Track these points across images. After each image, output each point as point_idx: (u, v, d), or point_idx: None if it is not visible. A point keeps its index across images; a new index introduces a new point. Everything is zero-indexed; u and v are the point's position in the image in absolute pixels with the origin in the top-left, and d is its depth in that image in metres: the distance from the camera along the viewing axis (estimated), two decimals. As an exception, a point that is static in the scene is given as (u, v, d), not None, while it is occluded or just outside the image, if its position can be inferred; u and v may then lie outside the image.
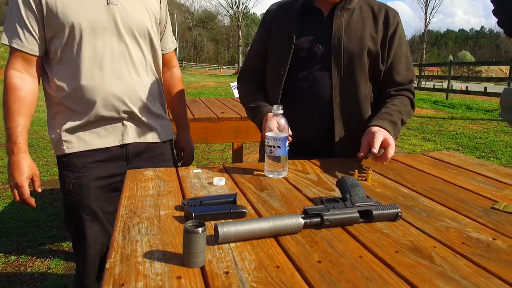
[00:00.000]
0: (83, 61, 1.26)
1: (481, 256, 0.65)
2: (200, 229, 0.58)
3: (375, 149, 1.08)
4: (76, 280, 1.46)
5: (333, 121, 1.31)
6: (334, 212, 0.74)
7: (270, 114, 1.27)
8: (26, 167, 1.28)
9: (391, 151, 1.10)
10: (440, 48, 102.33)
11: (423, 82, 22.38)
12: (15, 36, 1.24)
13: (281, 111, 1.08)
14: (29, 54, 1.26)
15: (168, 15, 1.57)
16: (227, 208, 0.78)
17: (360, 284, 0.55)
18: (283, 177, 1.08)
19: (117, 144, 1.36)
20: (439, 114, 9.76)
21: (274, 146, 1.06)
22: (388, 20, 1.32)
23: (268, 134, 1.08)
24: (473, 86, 17.81)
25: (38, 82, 1.33)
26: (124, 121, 1.36)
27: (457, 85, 20.68)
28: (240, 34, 53.67)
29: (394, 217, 0.78)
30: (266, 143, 1.08)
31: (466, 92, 12.98)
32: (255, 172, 1.11)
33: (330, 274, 0.58)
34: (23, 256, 2.53)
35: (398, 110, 1.28)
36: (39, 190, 1.35)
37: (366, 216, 0.77)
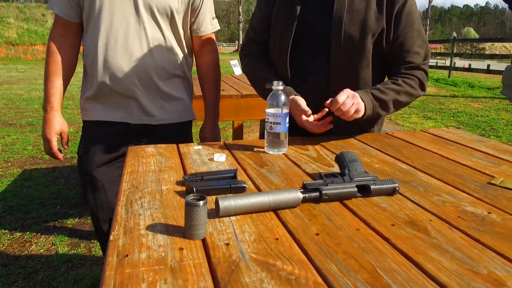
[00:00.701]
0: (100, 34, 1.33)
1: (476, 229, 0.66)
2: (201, 202, 0.59)
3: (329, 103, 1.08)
4: None
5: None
6: (333, 186, 0.76)
7: (290, 97, 1.21)
8: (56, 124, 1.40)
9: (345, 112, 1.06)
10: (444, 24, 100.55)
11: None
12: (56, 3, 1.35)
13: (281, 87, 1.08)
14: (67, 20, 1.36)
15: None
16: (227, 183, 0.80)
17: (356, 255, 0.57)
18: (283, 154, 1.09)
19: (123, 120, 1.41)
20: (440, 92, 9.69)
21: (274, 123, 1.07)
22: None
23: (268, 110, 1.08)
24: (476, 63, 17.58)
25: (77, 50, 1.44)
26: (132, 99, 1.39)
27: (460, 62, 20.37)
28: (241, 10, 52.61)
29: (392, 192, 0.79)
30: (266, 120, 1.08)
31: (469, 69, 12.84)
32: (255, 149, 1.12)
33: (328, 246, 0.59)
34: (28, 232, 2.58)
35: (395, 89, 1.20)
36: (66, 146, 1.48)
37: (364, 190, 0.78)
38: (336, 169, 0.93)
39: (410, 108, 7.52)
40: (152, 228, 0.63)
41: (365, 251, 0.58)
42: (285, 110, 1.07)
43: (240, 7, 52.42)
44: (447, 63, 15.26)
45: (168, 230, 0.63)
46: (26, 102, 7.61)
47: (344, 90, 1.11)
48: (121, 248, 0.57)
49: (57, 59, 1.37)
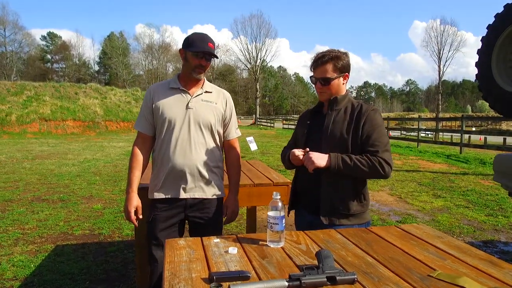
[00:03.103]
0: (166, 141, 2.04)
1: (403, 310, 0.98)
2: (219, 289, 0.95)
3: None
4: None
5: (320, 184, 1.85)
6: (309, 277, 1.10)
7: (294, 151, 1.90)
8: (134, 201, 2.06)
9: (305, 159, 1.79)
10: (457, 98, 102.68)
11: (440, 134, 22.41)
12: (139, 124, 2.11)
13: (279, 197, 1.46)
14: (146, 134, 2.10)
15: (234, 113, 2.25)
16: (237, 273, 1.15)
17: (317, 326, 0.90)
18: (281, 247, 1.44)
19: (178, 197, 2.04)
20: (451, 169, 9.93)
21: (274, 223, 1.44)
22: (360, 112, 1.86)
23: (269, 213, 1.46)
24: (493, 137, 17.80)
25: (149, 152, 2.15)
26: (184, 183, 2.03)
27: (476, 136, 20.47)
28: (258, 86, 55.63)
29: (352, 281, 1.12)
30: (268, 220, 1.45)
31: (480, 146, 13.15)
32: (260, 242, 1.48)
33: (299, 319, 0.93)
34: (60, 306, 2.86)
35: (358, 159, 1.77)
36: (140, 216, 2.09)
37: (332, 280, 1.12)
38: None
39: (421, 186, 7.75)
40: (188, 305, 0.98)
41: (323, 323, 0.91)
42: (282, 214, 1.45)
43: (258, 84, 55.50)
44: (465, 137, 15.52)
45: (198, 306, 0.97)
46: (57, 178, 8.21)
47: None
48: (169, 317, 0.91)
49: (137, 159, 2.08)
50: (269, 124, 38.25)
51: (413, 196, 6.92)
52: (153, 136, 2.12)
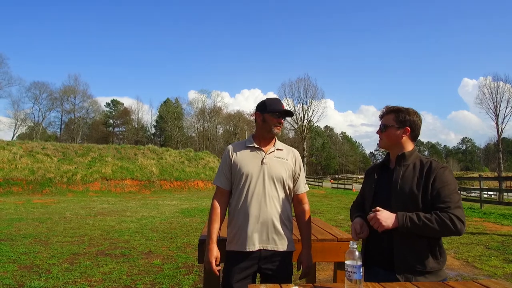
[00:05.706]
0: (242, 194, 2.22)
1: None
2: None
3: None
4: None
5: (393, 241, 1.88)
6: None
7: (357, 220, 2.03)
8: (214, 252, 2.19)
9: (373, 220, 1.82)
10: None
11: (505, 195, 20.74)
12: (218, 179, 2.32)
13: (355, 246, 1.54)
14: (224, 189, 2.30)
15: (302, 169, 2.42)
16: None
17: None
18: (359, 296, 1.48)
19: (251, 249, 2.16)
20: (523, 232, 9.11)
21: (352, 272, 1.50)
22: (430, 169, 1.90)
23: (346, 262, 1.53)
24: None
25: (227, 205, 2.33)
26: (258, 235, 2.17)
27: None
28: (305, 145, 55.97)
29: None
30: (346, 269, 1.52)
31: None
32: (338, 291, 1.53)
33: None
34: None
35: (427, 217, 1.77)
36: (219, 267, 2.21)
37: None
38: (399, 310, 1.31)
39: (489, 250, 7.16)
40: None
41: None
42: (359, 263, 1.51)
43: (305, 143, 55.92)
44: (528, 199, 14.32)
45: None
46: (118, 233, 8.60)
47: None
48: None
49: (216, 213, 2.25)
50: (317, 183, 37.73)
51: (482, 260, 6.40)
52: (230, 191, 2.31)
